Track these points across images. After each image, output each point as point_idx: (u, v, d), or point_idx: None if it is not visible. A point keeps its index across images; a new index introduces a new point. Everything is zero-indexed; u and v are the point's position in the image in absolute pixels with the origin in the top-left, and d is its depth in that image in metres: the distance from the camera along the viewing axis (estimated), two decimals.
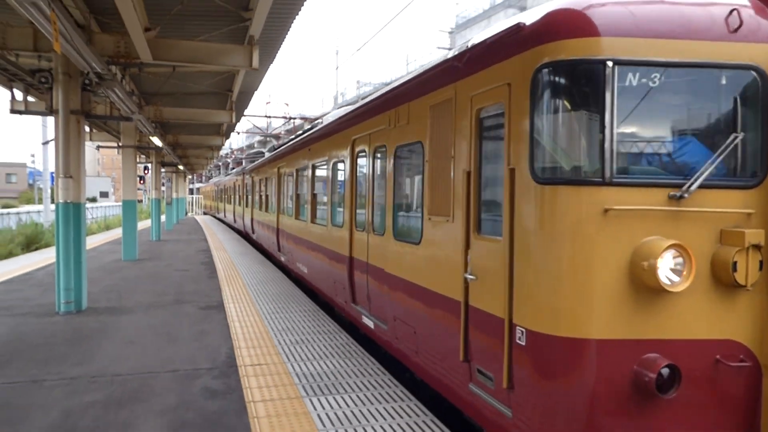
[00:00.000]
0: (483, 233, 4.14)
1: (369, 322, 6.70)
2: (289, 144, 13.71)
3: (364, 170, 7.06)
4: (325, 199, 9.20)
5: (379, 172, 6.59)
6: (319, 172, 9.77)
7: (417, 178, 5.49)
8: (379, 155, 6.58)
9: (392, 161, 5.98)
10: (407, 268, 5.47)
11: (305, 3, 8.05)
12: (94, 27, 8.81)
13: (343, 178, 8.00)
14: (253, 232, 19.34)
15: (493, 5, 35.14)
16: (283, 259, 13.53)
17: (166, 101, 14.98)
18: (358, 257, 7.14)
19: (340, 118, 8.47)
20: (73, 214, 8.55)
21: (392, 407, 4.71)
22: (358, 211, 7.37)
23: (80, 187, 8.65)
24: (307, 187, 10.46)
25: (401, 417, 4.50)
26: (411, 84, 5.60)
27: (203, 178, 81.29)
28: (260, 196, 17.71)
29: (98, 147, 23.20)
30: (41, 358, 6.11)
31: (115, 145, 19.10)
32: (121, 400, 4.88)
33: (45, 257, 15.86)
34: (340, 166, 8.20)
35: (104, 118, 14.23)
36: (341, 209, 8.05)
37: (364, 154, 7.11)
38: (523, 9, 28.18)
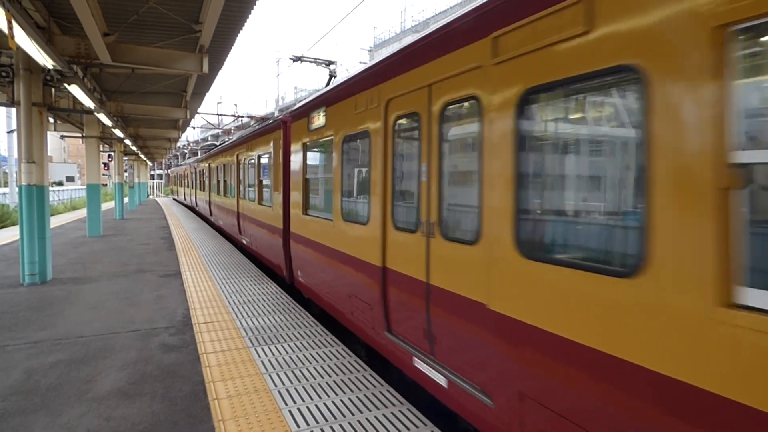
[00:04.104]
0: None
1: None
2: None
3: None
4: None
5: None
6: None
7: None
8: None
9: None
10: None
11: (249, 18, 7.52)
12: (55, 29, 7.72)
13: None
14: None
15: (403, 30, 35.21)
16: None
17: (127, 98, 13.56)
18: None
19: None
20: (36, 195, 7.57)
21: (323, 352, 4.61)
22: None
23: (43, 172, 7.65)
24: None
25: (330, 359, 4.42)
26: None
27: (163, 165, 75.75)
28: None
29: (62, 136, 20.69)
30: (3, 326, 5.37)
31: (79, 135, 17.11)
32: (84, 358, 4.40)
33: (11, 234, 14.02)
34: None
35: (67, 111, 12.66)
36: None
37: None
38: None
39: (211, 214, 17.75)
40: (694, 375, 1.66)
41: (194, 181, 23.94)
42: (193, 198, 25.07)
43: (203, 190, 19.86)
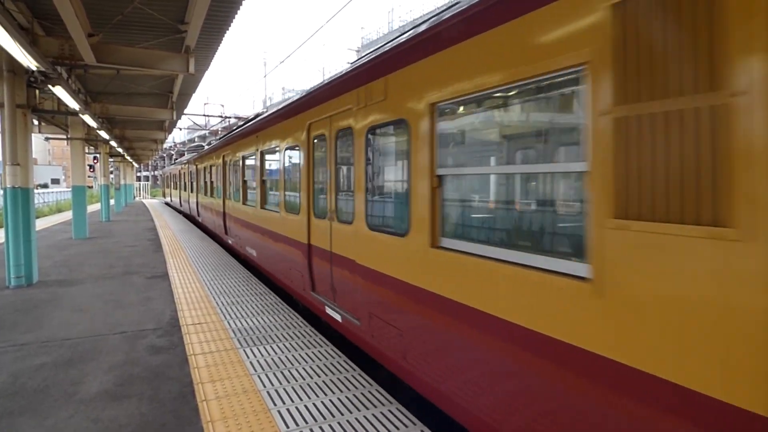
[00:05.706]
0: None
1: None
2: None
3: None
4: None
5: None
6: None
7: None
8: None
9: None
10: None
11: (235, 18, 7.52)
12: (38, 30, 7.63)
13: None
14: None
15: (391, 30, 35.30)
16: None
17: (112, 99, 13.41)
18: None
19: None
20: (21, 197, 7.49)
21: (312, 352, 4.65)
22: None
23: (28, 174, 7.57)
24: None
25: (319, 359, 4.46)
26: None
27: (149, 167, 74.87)
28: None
29: (47, 138, 20.38)
30: None
31: (64, 137, 16.88)
32: (71, 360, 4.38)
33: None
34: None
35: (52, 112, 12.50)
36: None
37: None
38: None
39: (226, 232, 11.74)
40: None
41: (196, 184, 17.46)
42: (193, 205, 18.23)
43: (212, 196, 14.08)
